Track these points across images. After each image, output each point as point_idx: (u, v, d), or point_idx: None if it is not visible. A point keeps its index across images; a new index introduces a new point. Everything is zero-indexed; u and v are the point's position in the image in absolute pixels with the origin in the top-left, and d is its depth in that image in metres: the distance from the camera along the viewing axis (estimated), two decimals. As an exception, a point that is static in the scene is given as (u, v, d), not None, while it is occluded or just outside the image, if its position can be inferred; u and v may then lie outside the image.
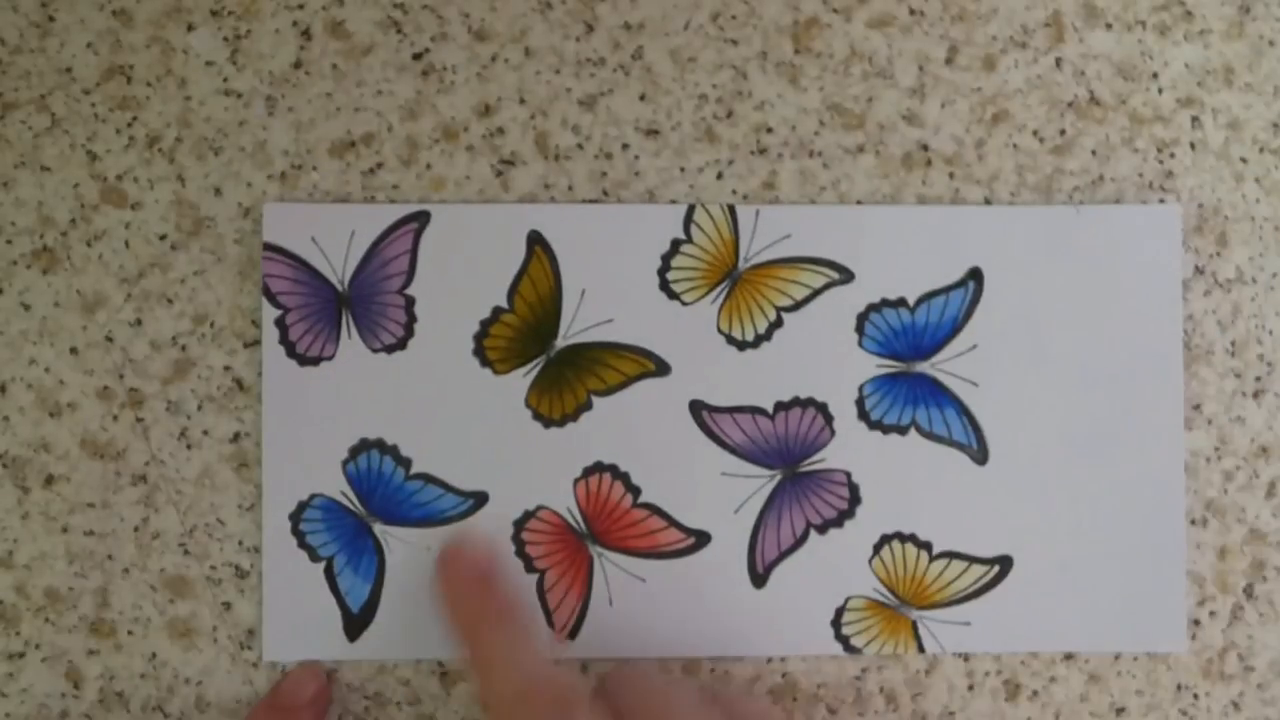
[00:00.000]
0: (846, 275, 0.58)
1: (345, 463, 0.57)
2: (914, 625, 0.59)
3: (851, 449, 0.58)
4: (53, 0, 0.58)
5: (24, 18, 0.58)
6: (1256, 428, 0.60)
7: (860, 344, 0.58)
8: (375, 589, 0.57)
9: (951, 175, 0.59)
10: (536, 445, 0.58)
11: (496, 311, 0.58)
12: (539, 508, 0.58)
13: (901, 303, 0.58)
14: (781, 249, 0.58)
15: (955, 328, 0.58)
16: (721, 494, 0.58)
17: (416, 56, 0.58)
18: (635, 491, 0.58)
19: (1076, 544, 0.58)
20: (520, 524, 0.58)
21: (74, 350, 0.57)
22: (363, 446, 0.57)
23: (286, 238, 0.57)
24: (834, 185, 0.59)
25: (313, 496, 0.57)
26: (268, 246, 0.57)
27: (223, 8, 0.58)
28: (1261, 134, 0.60)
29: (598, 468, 0.58)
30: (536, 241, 0.58)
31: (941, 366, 0.59)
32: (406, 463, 0.57)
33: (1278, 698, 0.60)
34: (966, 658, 0.59)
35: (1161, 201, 0.59)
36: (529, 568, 0.58)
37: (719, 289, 0.58)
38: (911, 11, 0.59)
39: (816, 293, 0.58)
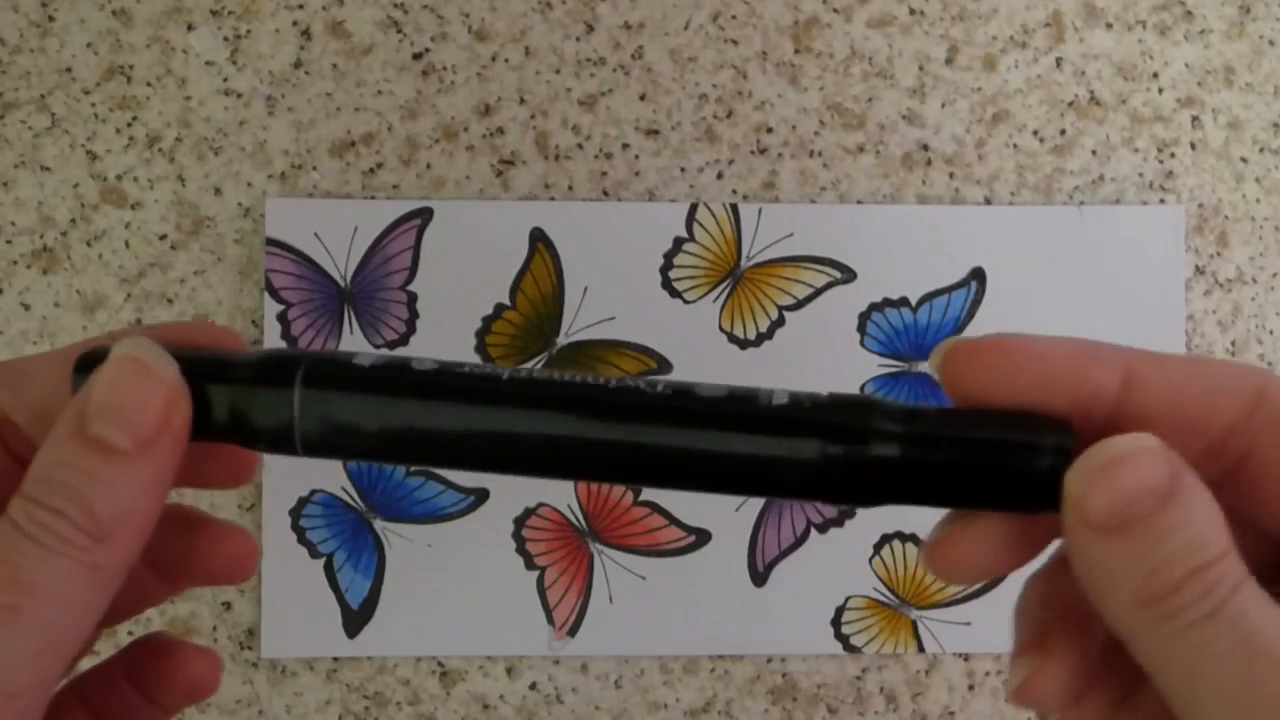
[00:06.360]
0: (849, 274, 0.58)
1: (346, 459, 0.57)
2: (914, 625, 0.58)
3: (852, 448, 0.58)
4: (53, 0, 0.58)
5: (24, 18, 0.58)
6: (1257, 428, 0.59)
7: (862, 343, 0.58)
8: (375, 585, 0.57)
9: (951, 175, 0.59)
10: (537, 442, 0.57)
11: (499, 308, 0.57)
12: (540, 505, 0.57)
13: (903, 302, 0.58)
14: (784, 248, 0.58)
15: (957, 327, 0.58)
16: (722, 492, 0.58)
17: (416, 56, 0.58)
18: (636, 489, 0.57)
19: (1077, 544, 0.58)
20: (521, 521, 0.57)
21: (73, 350, 0.57)
22: (364, 443, 0.57)
23: (289, 233, 0.57)
24: (834, 185, 0.59)
25: (313, 492, 0.57)
26: (270, 241, 0.57)
27: (223, 8, 0.58)
28: (1261, 134, 0.60)
29: (599, 465, 0.58)
30: (539, 239, 0.58)
31: (942, 366, 0.58)
32: (407, 459, 0.57)
33: (1279, 698, 0.59)
34: (966, 658, 0.59)
35: (1162, 202, 0.59)
36: (529, 564, 0.57)
37: (721, 287, 0.58)
38: (911, 11, 0.59)
39: (818, 292, 0.58)
